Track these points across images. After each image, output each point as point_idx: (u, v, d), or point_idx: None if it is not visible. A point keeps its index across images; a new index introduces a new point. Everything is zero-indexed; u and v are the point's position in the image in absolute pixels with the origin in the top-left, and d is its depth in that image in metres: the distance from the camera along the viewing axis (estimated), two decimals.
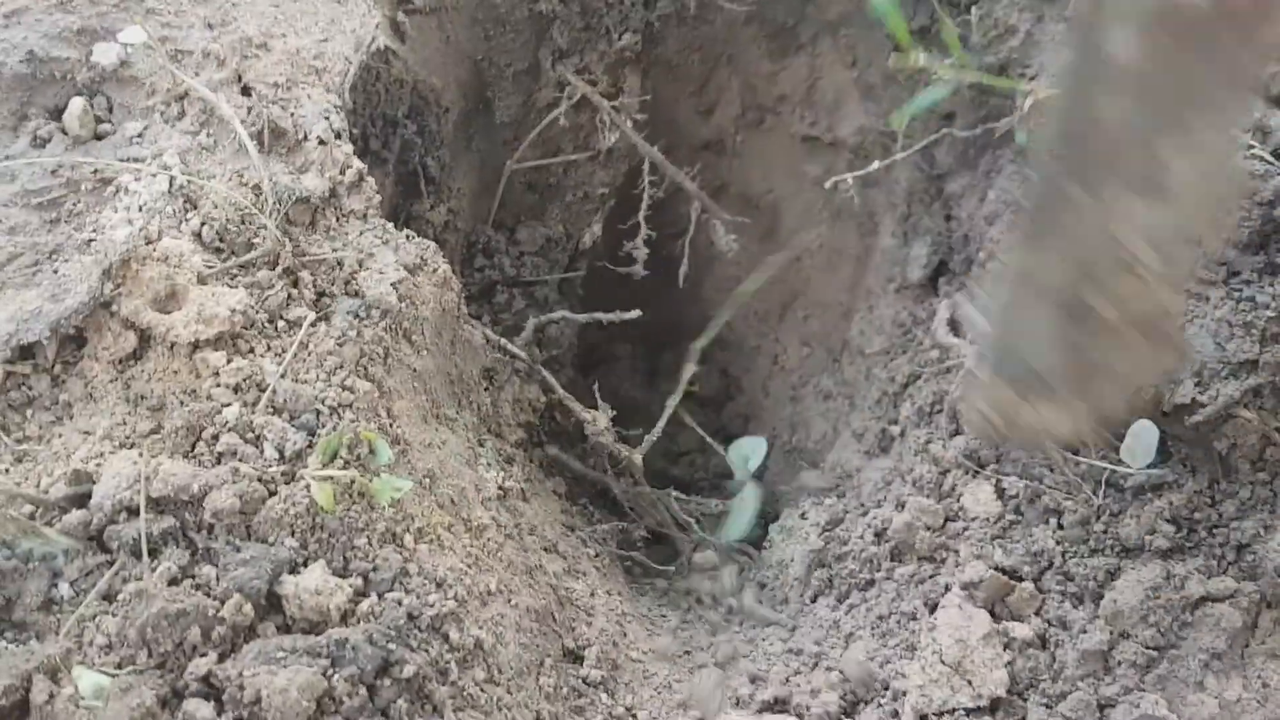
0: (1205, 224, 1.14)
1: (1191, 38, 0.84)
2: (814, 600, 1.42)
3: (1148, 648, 1.19)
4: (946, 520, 1.35)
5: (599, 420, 1.59)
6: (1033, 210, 1.00)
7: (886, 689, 1.23)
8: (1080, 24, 1.00)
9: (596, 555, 1.51)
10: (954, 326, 1.48)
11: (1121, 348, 1.00)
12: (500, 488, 1.32)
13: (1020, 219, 1.22)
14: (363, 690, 1.03)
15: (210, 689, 1.01)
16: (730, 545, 1.66)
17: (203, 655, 1.02)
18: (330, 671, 1.03)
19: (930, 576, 1.31)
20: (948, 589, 1.27)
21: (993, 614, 1.24)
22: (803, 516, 1.53)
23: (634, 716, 1.23)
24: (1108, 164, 0.92)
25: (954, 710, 1.17)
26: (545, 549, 1.38)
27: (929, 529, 1.34)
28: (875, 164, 1.49)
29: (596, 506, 1.68)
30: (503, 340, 1.52)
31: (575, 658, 1.27)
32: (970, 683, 1.18)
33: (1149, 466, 1.28)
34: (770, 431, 1.84)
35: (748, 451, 1.77)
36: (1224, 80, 0.89)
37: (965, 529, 1.33)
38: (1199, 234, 1.15)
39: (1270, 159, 1.25)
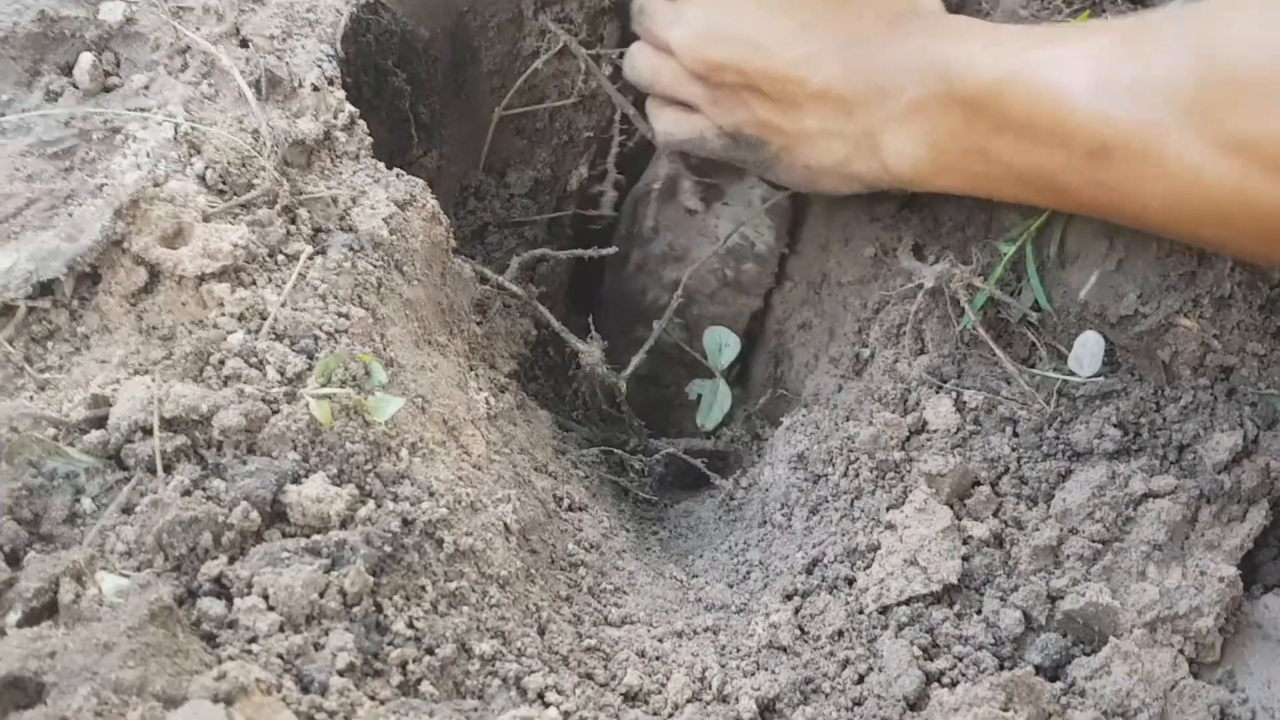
0: None
1: None
2: (789, 516, 1.51)
3: (1094, 542, 1.27)
4: (911, 434, 1.43)
5: (594, 352, 1.67)
6: None
7: (851, 584, 1.31)
8: None
9: (585, 477, 1.60)
10: (917, 252, 1.55)
11: None
12: (489, 409, 1.40)
13: None
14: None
15: (221, 588, 1.11)
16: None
17: (214, 558, 1.11)
18: (331, 570, 1.12)
19: (895, 485, 1.39)
20: (909, 491, 1.34)
21: (954, 514, 1.32)
22: (786, 443, 1.60)
23: (622, 620, 1.32)
24: None
25: (910, 600, 1.25)
26: (536, 468, 1.47)
27: (894, 441, 1.42)
28: None
29: (590, 428, 1.77)
30: (499, 278, 1.60)
31: (563, 565, 1.36)
32: (925, 571, 1.26)
33: (1098, 376, 1.35)
34: (756, 364, 1.91)
35: (721, 341, 1.83)
36: None
37: (928, 440, 1.41)
38: None
39: None
